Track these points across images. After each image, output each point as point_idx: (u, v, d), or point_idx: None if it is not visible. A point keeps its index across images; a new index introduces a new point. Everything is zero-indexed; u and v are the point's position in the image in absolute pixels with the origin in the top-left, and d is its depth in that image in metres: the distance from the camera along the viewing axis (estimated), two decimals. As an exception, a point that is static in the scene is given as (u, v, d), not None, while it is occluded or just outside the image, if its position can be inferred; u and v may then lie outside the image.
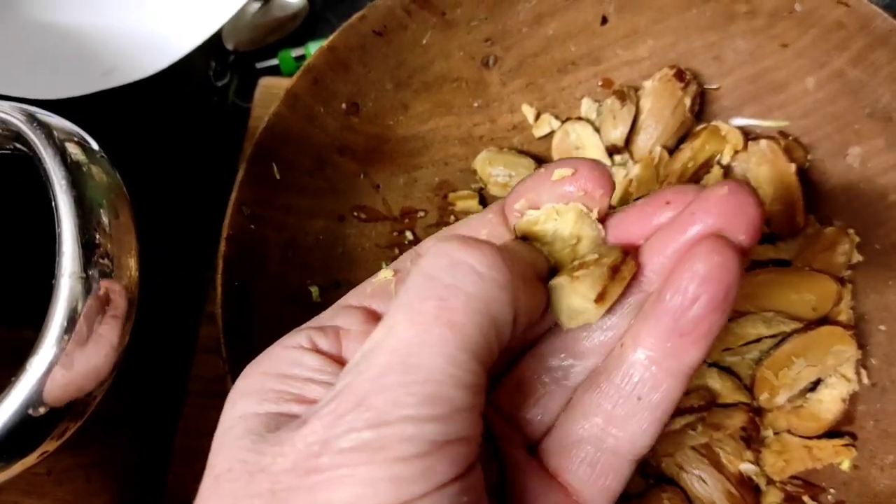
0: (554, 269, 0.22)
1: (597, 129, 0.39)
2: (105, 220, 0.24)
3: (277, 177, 0.35)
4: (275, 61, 0.50)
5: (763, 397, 0.34)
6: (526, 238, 0.23)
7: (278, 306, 0.34)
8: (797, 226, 0.36)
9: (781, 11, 0.36)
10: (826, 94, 0.36)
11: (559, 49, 0.39)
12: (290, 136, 0.35)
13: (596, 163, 0.22)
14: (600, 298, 0.20)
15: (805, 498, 0.33)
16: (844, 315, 0.35)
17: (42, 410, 0.23)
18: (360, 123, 0.38)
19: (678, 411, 0.33)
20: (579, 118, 0.40)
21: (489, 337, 0.18)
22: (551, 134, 0.40)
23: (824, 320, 0.34)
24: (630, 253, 0.21)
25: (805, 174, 0.37)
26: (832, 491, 0.34)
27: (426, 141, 0.40)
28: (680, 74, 0.38)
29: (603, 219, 0.23)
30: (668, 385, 0.21)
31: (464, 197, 0.40)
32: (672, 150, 0.38)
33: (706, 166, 0.38)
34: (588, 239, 0.22)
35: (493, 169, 0.39)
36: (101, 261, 0.24)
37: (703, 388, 0.34)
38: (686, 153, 0.37)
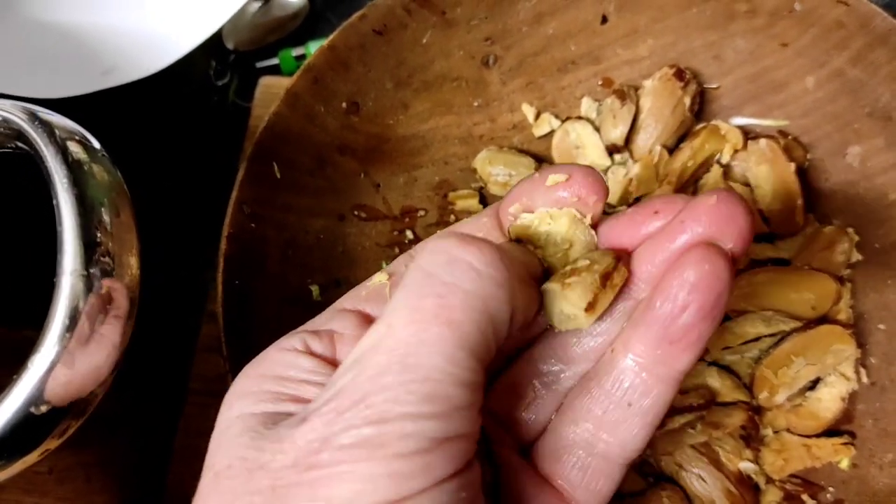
0: (547, 273, 0.23)
1: (597, 129, 0.39)
2: (106, 218, 0.24)
3: (278, 176, 0.35)
4: (275, 61, 0.50)
5: (762, 396, 0.34)
6: (519, 241, 0.23)
7: (279, 305, 0.34)
8: (796, 225, 0.36)
9: (781, 10, 0.36)
10: (826, 93, 0.36)
11: (559, 48, 0.39)
12: (291, 135, 0.35)
13: (590, 169, 0.23)
14: (591, 307, 0.20)
15: (804, 496, 0.33)
16: (844, 314, 0.35)
17: (44, 409, 0.23)
18: (361, 123, 0.38)
19: (677, 410, 0.33)
20: (579, 117, 0.40)
21: (487, 334, 0.18)
22: (551, 133, 0.40)
23: (824, 319, 0.35)
24: (622, 259, 0.21)
25: (805, 173, 0.37)
26: (831, 489, 0.34)
27: (426, 140, 0.40)
28: (680, 74, 0.38)
29: (596, 225, 0.23)
30: (658, 391, 0.21)
31: (464, 196, 0.40)
32: (672, 150, 0.38)
33: (706, 165, 0.38)
34: (580, 244, 0.22)
35: (493, 168, 0.39)
36: (102, 259, 0.24)
37: (702, 387, 0.34)
38: (686, 152, 0.38)
